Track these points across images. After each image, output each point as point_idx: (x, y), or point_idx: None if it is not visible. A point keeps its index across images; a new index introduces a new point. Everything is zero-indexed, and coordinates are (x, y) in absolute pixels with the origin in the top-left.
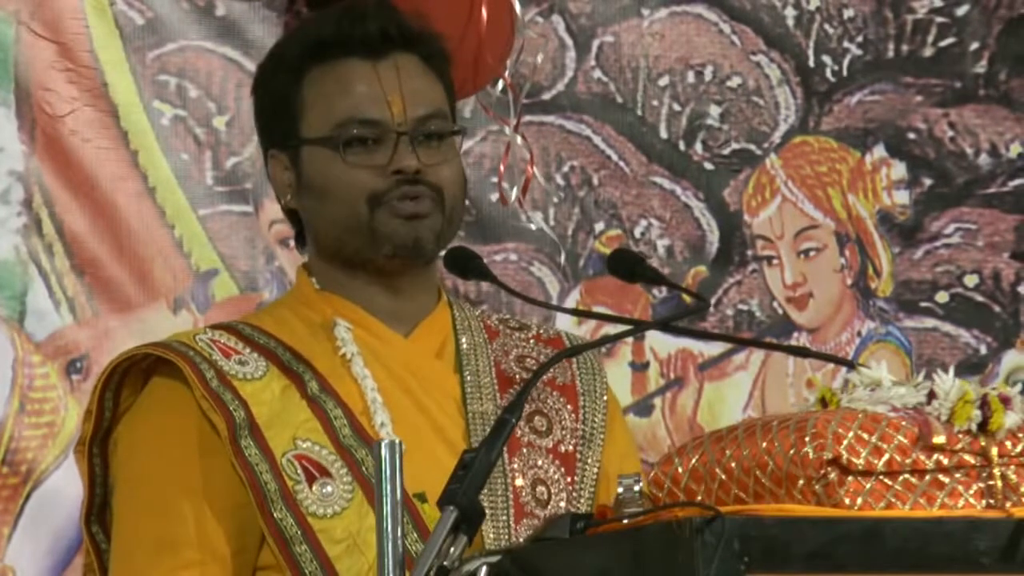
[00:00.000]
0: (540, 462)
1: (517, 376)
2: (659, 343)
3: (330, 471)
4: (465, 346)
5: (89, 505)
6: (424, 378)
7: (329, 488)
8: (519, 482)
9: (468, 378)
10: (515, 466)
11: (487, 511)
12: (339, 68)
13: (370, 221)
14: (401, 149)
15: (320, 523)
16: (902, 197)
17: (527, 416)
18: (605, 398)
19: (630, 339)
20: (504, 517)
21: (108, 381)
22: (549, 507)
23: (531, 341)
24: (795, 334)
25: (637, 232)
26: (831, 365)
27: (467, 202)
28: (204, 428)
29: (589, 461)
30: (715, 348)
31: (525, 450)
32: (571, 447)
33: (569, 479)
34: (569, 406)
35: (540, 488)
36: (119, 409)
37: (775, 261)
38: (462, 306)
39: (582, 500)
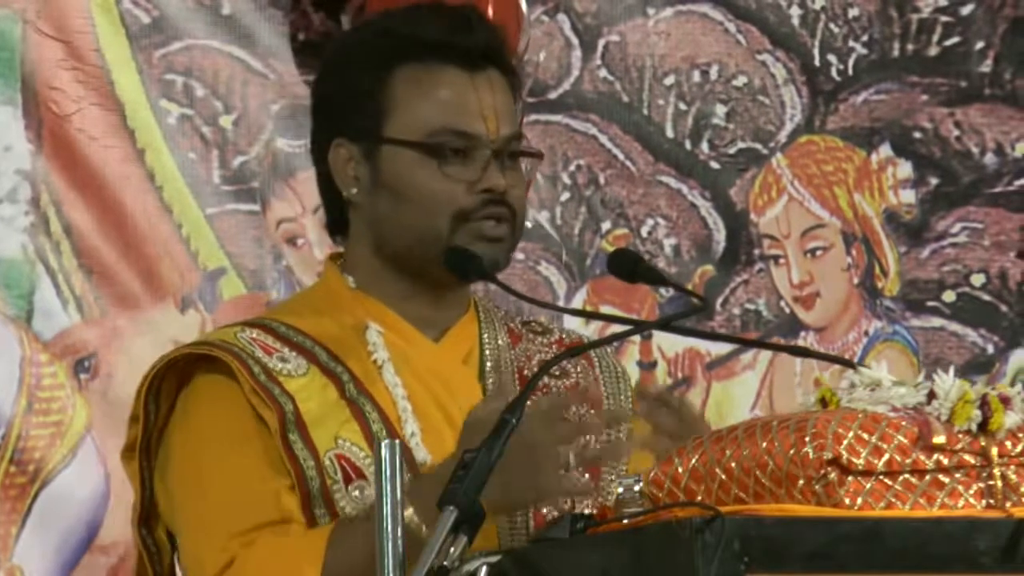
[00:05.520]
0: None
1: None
2: (666, 342)
3: (365, 474)
4: (489, 353)
5: (141, 508)
6: (451, 385)
7: (366, 491)
8: None
9: (492, 386)
10: None
11: (510, 519)
12: (437, 73)
13: (450, 236)
14: (492, 167)
15: None
16: (908, 196)
17: None
18: (630, 404)
19: (637, 339)
20: (523, 529)
21: (151, 386)
22: None
23: (553, 347)
24: (802, 333)
25: (644, 231)
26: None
27: None
28: (257, 418)
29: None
30: (723, 347)
31: None
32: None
33: (593, 486)
34: (593, 412)
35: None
36: (160, 412)
37: (782, 260)
38: (488, 310)
39: None
